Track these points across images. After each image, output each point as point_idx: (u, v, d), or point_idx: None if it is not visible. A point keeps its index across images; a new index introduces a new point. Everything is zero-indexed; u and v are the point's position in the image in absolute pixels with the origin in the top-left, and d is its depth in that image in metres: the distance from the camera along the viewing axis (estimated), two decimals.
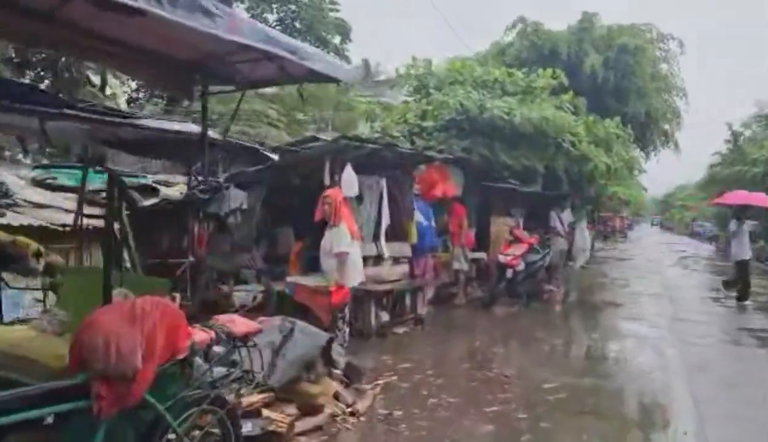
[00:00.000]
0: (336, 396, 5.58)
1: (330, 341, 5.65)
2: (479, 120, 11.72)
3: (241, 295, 9.13)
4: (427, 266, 10.83)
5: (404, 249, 10.11)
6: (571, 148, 12.56)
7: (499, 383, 6.69)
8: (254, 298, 9.18)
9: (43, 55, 19.55)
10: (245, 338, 3.76)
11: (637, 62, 21.08)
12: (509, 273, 11.63)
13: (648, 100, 21.95)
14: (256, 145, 10.82)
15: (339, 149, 8.30)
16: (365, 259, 9.14)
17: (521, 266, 11.72)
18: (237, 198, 8.80)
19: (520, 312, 11.41)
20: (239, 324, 3.80)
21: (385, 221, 9.52)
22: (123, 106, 22.08)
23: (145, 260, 8.90)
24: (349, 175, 8.25)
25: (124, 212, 7.83)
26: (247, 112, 17.62)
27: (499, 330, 9.76)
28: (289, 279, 8.78)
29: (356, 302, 8.67)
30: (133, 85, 34.82)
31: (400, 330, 9.21)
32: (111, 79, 28.07)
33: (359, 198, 9.08)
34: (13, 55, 20.46)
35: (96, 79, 28.06)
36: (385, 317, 9.29)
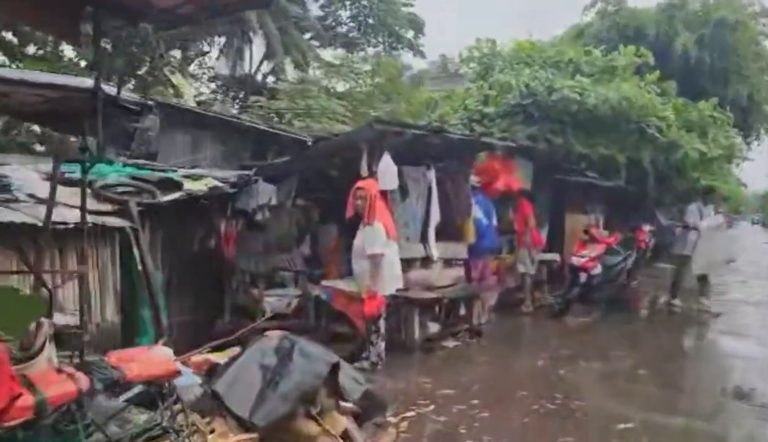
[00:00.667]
0: (345, 436, 4.43)
1: (336, 367, 4.50)
2: (548, 103, 10.25)
3: (273, 300, 8.16)
4: (486, 270, 9.52)
5: (459, 250, 8.84)
6: (658, 135, 10.86)
7: (561, 418, 5.34)
8: (289, 304, 8.19)
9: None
10: (158, 383, 2.68)
11: (737, 39, 18.72)
12: (583, 277, 10.12)
13: (750, 81, 19.51)
14: (282, 131, 9.82)
15: (375, 135, 7.15)
16: (411, 261, 7.98)
17: (598, 270, 10.18)
18: (265, 192, 7.82)
19: (596, 323, 9.89)
20: (143, 363, 2.72)
21: (435, 218, 8.29)
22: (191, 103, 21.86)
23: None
24: (387, 165, 7.09)
25: (135, 209, 6.99)
26: (312, 107, 16.83)
27: (570, 345, 8.32)
28: (325, 283, 7.74)
29: (398, 311, 7.51)
30: (206, 86, 35.05)
31: (451, 344, 7.95)
32: (179, 78, 28.12)
33: (403, 192, 7.90)
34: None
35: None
36: (434, 328, 8.07)
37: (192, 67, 35.46)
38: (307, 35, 36.31)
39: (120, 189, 7.46)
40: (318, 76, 26.31)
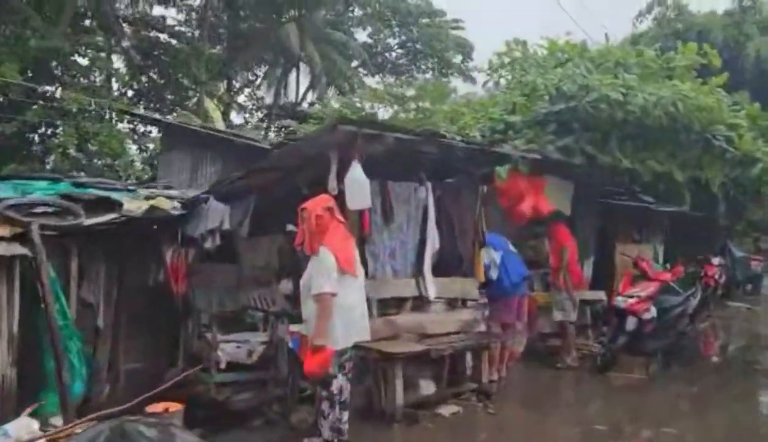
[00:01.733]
0: None
1: None
2: (585, 109, 8.37)
3: (230, 347, 6.56)
4: (522, 311, 7.59)
5: (467, 288, 7.01)
6: (727, 146, 8.78)
7: None
8: (250, 352, 6.57)
9: None
10: None
11: None
12: (631, 323, 8.05)
13: None
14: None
15: (344, 140, 5.52)
16: (400, 302, 6.24)
17: (650, 313, 8.11)
18: (215, 215, 6.27)
19: (649, 381, 7.83)
20: None
21: (432, 246, 6.55)
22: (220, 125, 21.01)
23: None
24: (355, 178, 5.42)
25: (38, 233, 5.54)
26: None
27: (611, 414, 6.35)
28: (293, 327, 6.08)
29: (375, 368, 5.78)
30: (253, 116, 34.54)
31: (449, 410, 6.08)
32: (209, 103, 27.42)
33: (387, 214, 6.21)
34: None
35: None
36: (428, 388, 6.27)
37: (242, 98, 35.01)
38: (355, 63, 35.48)
39: (40, 209, 6.08)
40: (361, 103, 24.98)
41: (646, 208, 12.79)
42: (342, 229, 4.90)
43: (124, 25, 28.01)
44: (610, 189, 11.55)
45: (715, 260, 15.81)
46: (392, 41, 38.86)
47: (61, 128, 18.92)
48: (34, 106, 18.48)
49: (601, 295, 9.94)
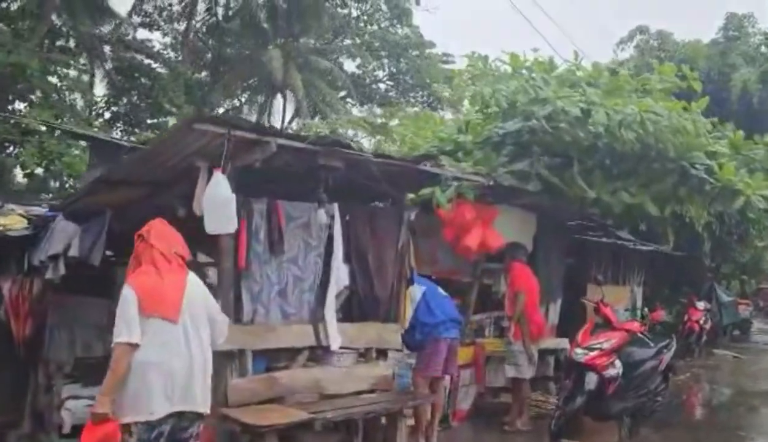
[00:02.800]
0: None
1: None
2: (544, 130, 7.11)
3: (81, 404, 5.16)
4: (438, 362, 6.20)
5: (386, 336, 5.64)
6: (707, 177, 7.50)
7: None
8: None
9: None
10: None
11: None
12: (591, 381, 6.66)
13: None
14: None
15: (214, 147, 4.22)
16: (292, 352, 4.87)
17: (615, 369, 6.72)
18: (61, 237, 4.90)
19: None
20: None
21: (337, 283, 5.19)
22: None
23: None
24: (214, 195, 4.11)
25: None
26: None
27: None
28: None
29: None
30: None
31: None
32: None
33: (273, 242, 4.86)
34: None
35: None
36: None
37: None
38: (342, 93, 34.55)
39: None
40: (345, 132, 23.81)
41: (622, 247, 11.52)
42: (160, 260, 3.52)
43: (105, 46, 27.10)
44: (581, 223, 10.29)
45: (700, 304, 14.47)
46: (381, 73, 38.08)
47: (22, 147, 17.76)
48: None
49: (566, 343, 8.53)
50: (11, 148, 18.92)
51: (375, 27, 36.77)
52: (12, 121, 18.19)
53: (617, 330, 6.91)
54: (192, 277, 3.63)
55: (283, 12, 29.98)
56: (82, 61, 26.73)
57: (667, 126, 6.78)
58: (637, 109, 6.57)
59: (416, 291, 5.88)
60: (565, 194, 7.49)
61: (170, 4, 30.80)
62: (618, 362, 6.81)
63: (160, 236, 3.55)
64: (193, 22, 30.19)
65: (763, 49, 16.14)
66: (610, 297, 11.64)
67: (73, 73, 24.48)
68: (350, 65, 37.16)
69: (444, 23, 23.76)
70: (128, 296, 3.36)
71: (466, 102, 9.97)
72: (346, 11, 34.95)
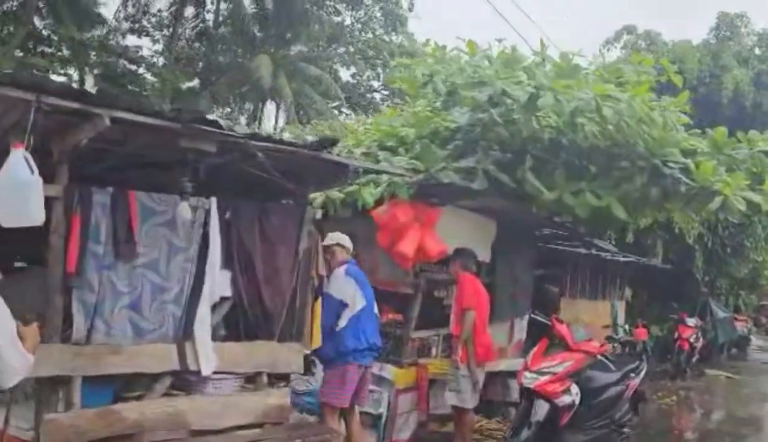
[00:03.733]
0: None
1: None
2: (493, 121, 6.13)
3: None
4: (346, 389, 5.18)
5: (282, 358, 4.65)
6: (682, 177, 6.48)
7: None
8: None
9: None
10: None
11: None
12: (541, 410, 5.64)
13: None
14: None
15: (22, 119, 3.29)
16: (152, 379, 3.90)
17: (570, 396, 5.70)
18: None
19: None
20: None
21: (211, 294, 4.22)
22: None
23: None
24: (8, 177, 3.17)
25: None
26: None
27: None
28: None
29: None
30: None
31: None
32: None
33: (119, 241, 3.91)
34: None
35: None
36: None
37: None
38: (336, 102, 33.81)
39: None
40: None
41: (600, 258, 10.54)
42: None
43: (92, 52, 26.45)
44: (554, 232, 9.32)
45: (691, 321, 13.42)
46: (376, 83, 37.29)
47: None
48: None
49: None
50: None
51: (369, 35, 36.07)
52: None
53: (574, 351, 5.90)
54: None
55: (272, 19, 29.36)
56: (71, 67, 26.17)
57: (630, 116, 5.78)
58: (592, 92, 5.59)
59: (357, 302, 4.97)
60: (518, 194, 6.49)
61: (159, 10, 30.22)
62: (574, 388, 5.82)
63: None
64: (181, 28, 29.56)
65: (756, 50, 15.14)
66: (589, 312, 10.70)
67: (58, 78, 23.80)
68: (345, 74, 36.45)
69: (438, 30, 22.84)
70: None
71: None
72: (339, 18, 34.27)
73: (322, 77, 30.45)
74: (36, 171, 3.22)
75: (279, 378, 4.71)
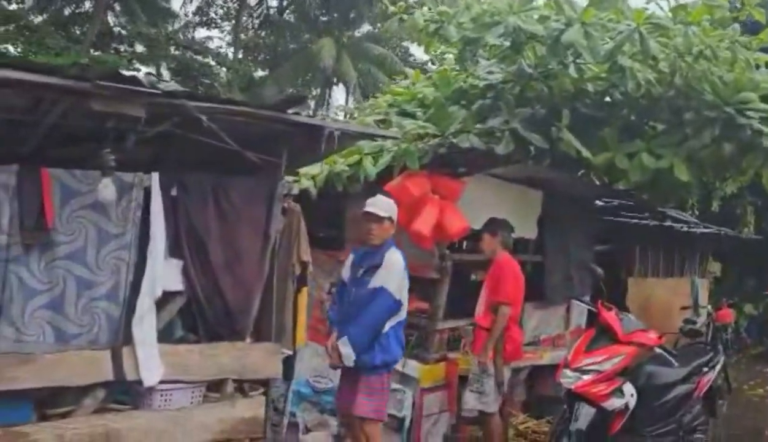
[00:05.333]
0: None
1: None
2: (533, 79, 5.04)
3: None
4: (343, 391, 4.34)
5: (251, 363, 3.86)
6: (763, 127, 5.13)
7: None
8: None
9: None
10: None
11: None
12: (584, 416, 4.57)
13: None
14: None
15: None
16: (78, 393, 3.22)
17: (622, 399, 4.60)
18: None
19: None
20: None
21: (153, 288, 3.47)
22: None
23: None
24: None
25: None
26: None
27: None
28: None
29: None
30: None
31: None
32: None
33: (29, 227, 3.21)
34: None
35: None
36: None
37: None
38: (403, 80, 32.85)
39: None
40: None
41: (676, 230, 9.15)
42: None
43: (171, 47, 26.86)
44: (623, 203, 8.11)
45: None
46: (451, 55, 35.95)
47: None
48: None
49: None
50: None
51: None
52: None
53: (624, 344, 4.77)
54: None
55: (335, 1, 28.84)
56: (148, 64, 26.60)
57: (685, 51, 4.53)
58: (634, 23, 4.38)
59: (406, 302, 4.18)
60: (561, 158, 5.39)
61: (226, 1, 30.35)
62: (628, 388, 4.72)
63: None
64: (246, 17, 29.53)
65: None
66: (665, 292, 9.33)
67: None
68: (417, 50, 35.31)
69: None
70: None
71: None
72: None
73: (386, 55, 29.62)
74: None
75: (256, 384, 3.93)
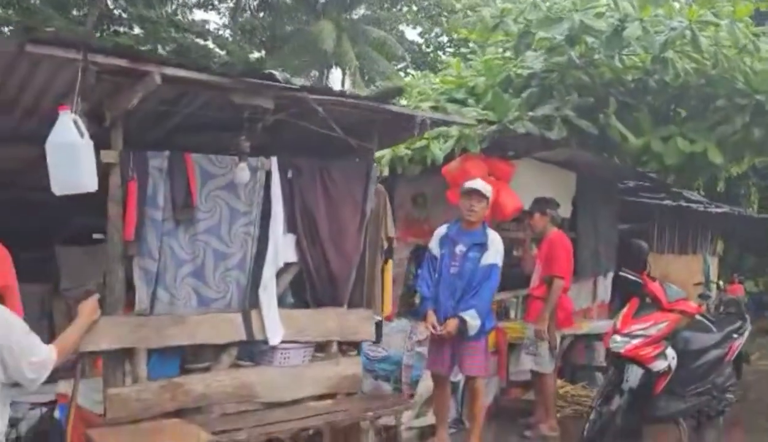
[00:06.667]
0: None
1: None
2: (572, 63, 5.58)
3: None
4: (439, 354, 4.90)
5: (351, 326, 4.39)
6: None
7: None
8: (14, 423, 4.19)
9: None
10: None
11: None
12: (634, 376, 5.16)
13: None
14: None
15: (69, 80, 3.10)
16: (217, 350, 3.73)
17: (665, 361, 5.19)
18: None
19: None
20: None
21: (276, 259, 3.98)
22: None
23: None
24: (57, 142, 2.99)
25: None
26: None
27: None
28: (62, 388, 3.69)
29: None
30: None
31: None
32: None
33: (179, 205, 3.70)
34: None
35: None
36: None
37: None
38: (402, 64, 33.12)
39: None
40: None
41: (691, 210, 9.76)
42: None
43: (161, 29, 26.85)
44: (641, 184, 8.68)
45: None
46: (444, 39, 36.22)
47: None
48: None
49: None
50: None
51: None
52: None
53: (668, 311, 5.35)
54: None
55: None
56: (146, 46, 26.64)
57: (730, 45, 5.08)
58: (686, 20, 4.92)
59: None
60: (599, 142, 5.92)
61: None
62: (670, 352, 5.29)
63: None
64: None
65: None
66: (679, 268, 9.96)
67: None
68: (411, 33, 35.59)
69: None
70: None
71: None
72: None
73: (386, 39, 29.82)
74: (86, 135, 3.02)
75: (350, 346, 4.46)
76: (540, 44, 5.89)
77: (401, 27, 35.22)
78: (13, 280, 2.96)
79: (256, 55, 30.89)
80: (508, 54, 6.54)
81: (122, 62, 3.14)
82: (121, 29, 26.15)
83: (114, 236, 3.45)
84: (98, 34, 23.86)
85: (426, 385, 5.35)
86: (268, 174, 3.96)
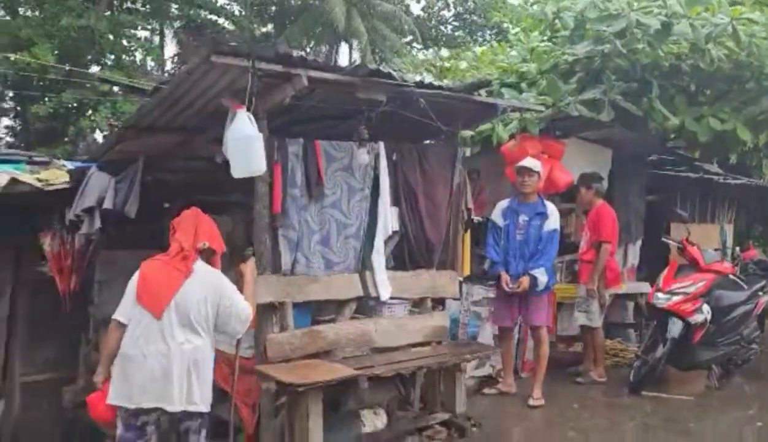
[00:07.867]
0: None
1: None
2: (618, 51, 6.28)
3: None
4: (504, 309, 5.73)
5: (441, 285, 5.17)
6: None
7: None
8: None
9: None
10: None
11: None
12: (675, 328, 5.98)
13: None
14: None
15: (237, 82, 3.81)
16: (339, 305, 4.51)
17: (702, 315, 6.01)
18: (94, 189, 4.67)
19: (699, 405, 5.83)
20: None
21: (385, 228, 4.75)
22: None
23: None
24: (237, 134, 3.73)
25: None
26: None
27: None
28: None
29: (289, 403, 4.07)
30: None
31: None
32: None
33: (311, 185, 4.45)
34: None
35: None
36: (377, 422, 4.52)
37: None
38: (409, 37, 33.44)
39: None
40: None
41: (710, 181, 10.45)
42: (174, 252, 3.35)
43: (173, 5, 27.16)
44: (663, 157, 9.38)
45: None
46: (447, 13, 36.53)
47: (94, 110, 18.14)
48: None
49: (647, 288, 7.80)
50: (89, 112, 19.25)
51: None
52: (88, 85, 18.50)
53: (704, 272, 6.16)
54: (198, 277, 3.37)
55: None
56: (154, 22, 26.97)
57: (765, 36, 5.80)
58: (727, 18, 5.64)
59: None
60: (643, 123, 6.65)
61: None
62: (705, 307, 6.11)
63: (186, 228, 3.46)
64: None
65: None
66: (698, 236, 10.67)
67: (142, 33, 24.71)
68: (416, 8, 35.89)
69: None
70: (134, 277, 3.36)
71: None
72: None
73: (394, 13, 30.11)
74: (257, 128, 3.74)
75: (437, 302, 5.24)
76: (588, 35, 6.57)
77: (406, 1, 35.49)
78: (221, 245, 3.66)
79: (263, 29, 31.22)
80: (556, 40, 7.21)
81: (278, 68, 3.85)
82: (133, 6, 26.50)
83: (262, 210, 4.19)
84: (109, 13, 24.22)
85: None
86: (377, 156, 4.69)
